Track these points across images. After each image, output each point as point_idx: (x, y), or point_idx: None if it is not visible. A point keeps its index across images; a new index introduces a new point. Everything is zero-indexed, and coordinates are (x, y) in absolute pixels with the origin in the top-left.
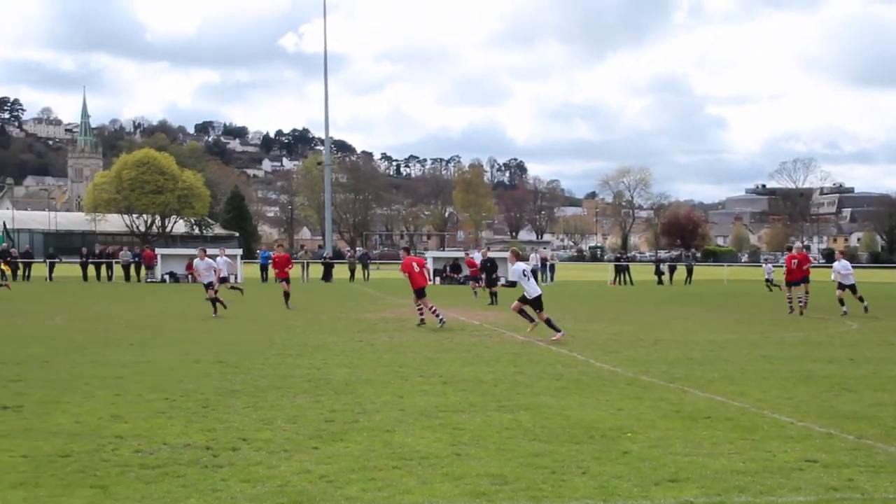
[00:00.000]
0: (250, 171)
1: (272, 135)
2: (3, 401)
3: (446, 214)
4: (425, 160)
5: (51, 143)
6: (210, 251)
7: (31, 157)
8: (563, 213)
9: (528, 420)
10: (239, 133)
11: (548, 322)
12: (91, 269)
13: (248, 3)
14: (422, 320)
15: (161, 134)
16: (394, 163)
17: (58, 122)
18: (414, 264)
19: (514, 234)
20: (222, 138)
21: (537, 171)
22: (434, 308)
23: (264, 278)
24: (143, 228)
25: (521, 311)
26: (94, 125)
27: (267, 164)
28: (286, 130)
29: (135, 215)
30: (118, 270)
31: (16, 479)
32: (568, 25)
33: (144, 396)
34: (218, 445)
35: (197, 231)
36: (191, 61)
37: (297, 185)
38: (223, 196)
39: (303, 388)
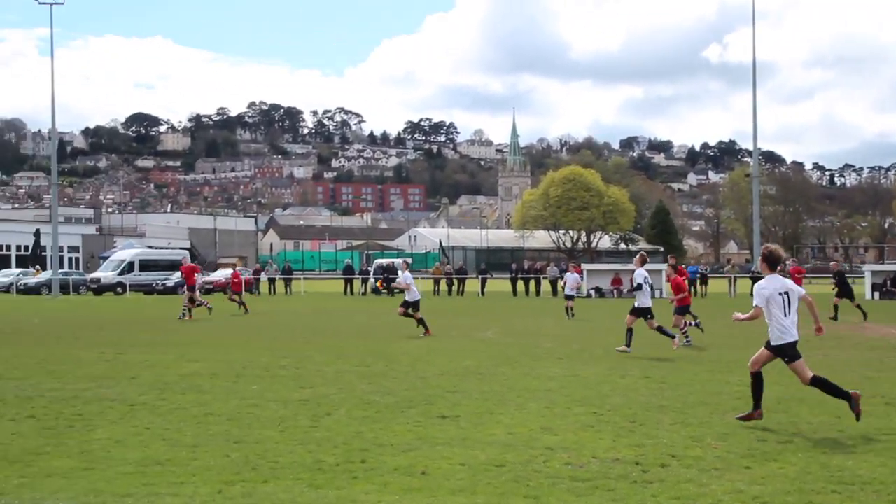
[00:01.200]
0: (675, 185)
1: (697, 148)
2: (441, 410)
3: (886, 225)
4: (862, 168)
5: (482, 163)
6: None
7: (465, 178)
8: None
9: None
10: (663, 147)
11: (660, 329)
12: (520, 285)
13: (671, 16)
14: (687, 340)
15: (586, 151)
16: (827, 172)
17: (489, 143)
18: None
19: None
20: (646, 153)
21: None
22: (682, 325)
23: (694, 293)
24: (568, 244)
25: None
26: (522, 144)
27: (692, 178)
28: (711, 143)
29: (561, 231)
30: (545, 286)
31: (455, 486)
32: None
33: (573, 410)
34: (647, 461)
35: (623, 246)
36: (614, 77)
37: (723, 199)
38: (648, 211)
39: (733, 405)
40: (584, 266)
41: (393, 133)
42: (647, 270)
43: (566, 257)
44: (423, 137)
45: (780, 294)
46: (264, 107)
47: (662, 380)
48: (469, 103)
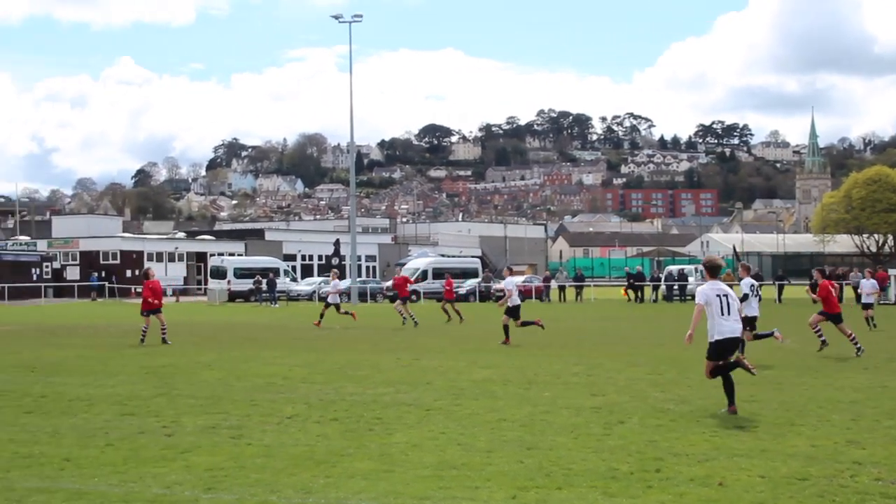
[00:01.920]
0: None
1: None
2: (738, 420)
3: None
4: None
5: (778, 165)
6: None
7: (759, 181)
8: None
9: None
10: None
11: (744, 348)
12: None
13: None
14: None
15: (892, 150)
16: None
17: (785, 145)
18: (832, 288)
19: None
20: None
21: None
22: (853, 336)
23: None
24: (873, 249)
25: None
26: (821, 145)
27: None
28: None
29: (865, 235)
30: (848, 291)
31: (754, 499)
32: None
33: (882, 423)
34: None
35: None
36: None
37: None
38: None
39: None
40: (892, 272)
41: (683, 137)
42: None
43: (871, 262)
44: (715, 140)
45: (718, 295)
46: (553, 114)
47: None
48: (762, 104)
